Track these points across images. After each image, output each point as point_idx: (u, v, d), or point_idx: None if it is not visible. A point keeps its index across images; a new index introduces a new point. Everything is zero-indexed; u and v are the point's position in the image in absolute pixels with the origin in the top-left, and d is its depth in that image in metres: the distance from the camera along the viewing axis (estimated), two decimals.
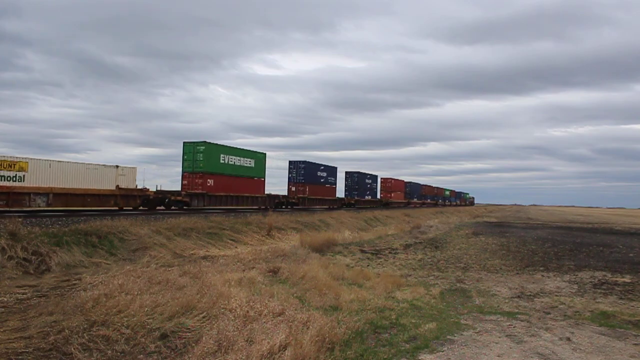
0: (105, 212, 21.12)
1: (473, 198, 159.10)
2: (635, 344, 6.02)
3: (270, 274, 10.12)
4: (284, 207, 37.95)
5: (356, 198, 50.18)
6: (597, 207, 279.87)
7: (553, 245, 18.78)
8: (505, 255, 15.22)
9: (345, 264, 12.68)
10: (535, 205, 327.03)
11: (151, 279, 8.36)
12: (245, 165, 32.58)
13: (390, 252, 15.70)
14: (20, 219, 12.55)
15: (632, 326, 6.89)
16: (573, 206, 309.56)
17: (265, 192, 35.54)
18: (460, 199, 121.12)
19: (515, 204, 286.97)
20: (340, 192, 49.87)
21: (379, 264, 13.29)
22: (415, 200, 74.11)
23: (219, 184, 29.48)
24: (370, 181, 55.79)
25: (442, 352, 5.56)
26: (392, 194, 61.98)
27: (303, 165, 40.53)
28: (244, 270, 10.17)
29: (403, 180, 68.91)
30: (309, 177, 41.06)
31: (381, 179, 61.53)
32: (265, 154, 35.57)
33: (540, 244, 18.93)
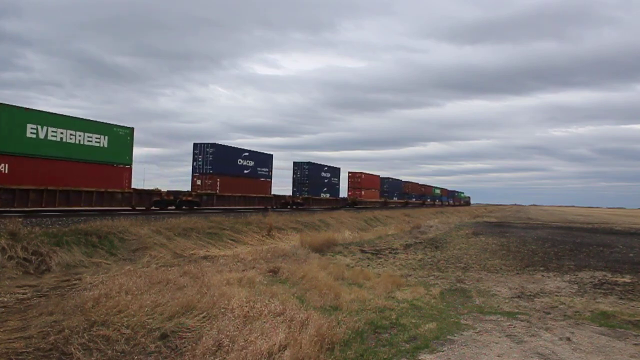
0: (105, 212, 21.11)
1: (469, 198, 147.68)
2: (636, 344, 6.02)
3: (270, 274, 10.12)
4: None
5: (305, 196, 40.25)
6: (597, 207, 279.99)
7: (553, 245, 18.78)
8: (506, 255, 15.22)
9: (346, 264, 12.68)
10: (535, 205, 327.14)
11: (151, 279, 8.36)
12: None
13: (390, 252, 15.70)
14: (20, 219, 12.56)
15: (632, 326, 6.89)
16: (573, 206, 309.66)
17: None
18: (453, 199, 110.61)
19: (515, 204, 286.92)
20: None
21: (379, 264, 13.29)
22: (395, 199, 64.94)
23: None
24: (328, 175, 45.52)
25: (442, 352, 5.56)
26: (363, 192, 52.40)
27: (211, 150, 29.04)
28: (244, 270, 10.16)
29: (378, 176, 58.70)
30: (218, 165, 29.15)
31: (349, 173, 52.37)
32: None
33: (540, 244, 18.92)
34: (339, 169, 48.78)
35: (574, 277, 11.33)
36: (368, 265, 12.78)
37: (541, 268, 12.65)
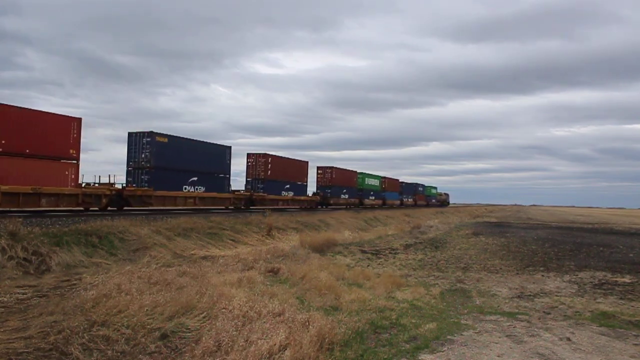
0: (106, 212, 21.11)
1: (446, 195, 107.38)
2: (636, 344, 6.02)
3: (270, 274, 10.13)
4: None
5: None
6: (597, 207, 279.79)
7: (553, 245, 18.77)
8: (506, 256, 15.22)
9: (346, 264, 12.68)
10: (535, 205, 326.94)
11: (151, 279, 8.36)
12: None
13: (390, 252, 15.69)
14: (20, 219, 12.56)
15: (632, 326, 6.89)
16: (573, 206, 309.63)
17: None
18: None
19: (516, 204, 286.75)
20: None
21: (379, 264, 13.29)
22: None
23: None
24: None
25: (442, 352, 5.56)
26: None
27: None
28: (243, 271, 10.17)
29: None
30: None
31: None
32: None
33: (540, 244, 18.91)
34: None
35: (574, 277, 11.32)
36: (368, 266, 12.78)
37: (541, 268, 12.64)
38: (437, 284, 10.23)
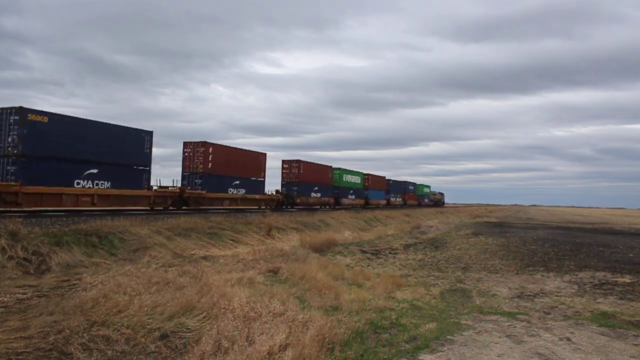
0: (106, 212, 21.10)
1: (441, 195, 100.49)
2: (636, 344, 6.02)
3: (270, 274, 10.13)
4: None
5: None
6: (597, 207, 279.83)
7: (553, 245, 18.77)
8: (506, 256, 15.22)
9: (345, 264, 12.68)
10: (535, 205, 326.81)
11: (151, 279, 8.36)
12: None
13: (390, 252, 15.70)
14: (20, 219, 12.56)
15: (632, 326, 6.89)
16: (573, 206, 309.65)
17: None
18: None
19: (516, 204, 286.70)
20: None
21: (379, 264, 13.29)
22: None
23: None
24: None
25: (442, 352, 5.56)
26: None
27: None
28: (244, 270, 10.17)
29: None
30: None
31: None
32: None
33: (540, 244, 18.91)
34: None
35: (574, 277, 11.32)
36: (368, 266, 12.78)
37: (541, 268, 12.65)
38: (437, 284, 10.23)
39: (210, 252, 15.01)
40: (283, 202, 37.43)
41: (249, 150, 33.12)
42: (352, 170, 50.65)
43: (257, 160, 33.60)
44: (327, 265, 11.37)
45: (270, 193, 36.00)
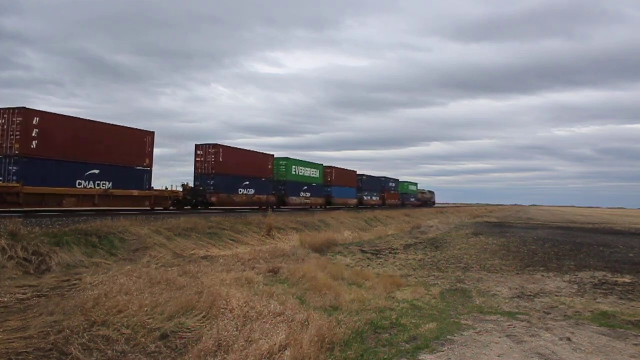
0: (106, 212, 21.09)
1: (430, 194, 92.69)
2: (636, 344, 6.02)
3: (270, 273, 10.13)
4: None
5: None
6: (597, 207, 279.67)
7: (553, 245, 18.77)
8: (506, 255, 15.22)
9: (345, 264, 12.68)
10: (535, 205, 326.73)
11: (151, 279, 8.36)
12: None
13: (390, 252, 15.70)
14: (20, 219, 12.56)
15: (632, 326, 6.89)
16: (573, 206, 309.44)
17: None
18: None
19: (516, 204, 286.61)
20: None
21: (379, 264, 13.29)
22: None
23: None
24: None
25: (442, 352, 5.56)
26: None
27: None
28: (243, 270, 10.17)
29: (272, 155, 34.54)
30: None
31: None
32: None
33: (540, 244, 18.91)
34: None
35: (574, 277, 11.32)
36: (368, 265, 12.78)
37: (541, 268, 12.64)
38: (437, 283, 10.23)
39: (210, 252, 15.01)
40: (190, 201, 27.41)
41: (117, 125, 22.68)
42: (305, 161, 40.36)
43: (137, 141, 23.36)
44: (327, 265, 11.37)
45: (158, 189, 24.59)
